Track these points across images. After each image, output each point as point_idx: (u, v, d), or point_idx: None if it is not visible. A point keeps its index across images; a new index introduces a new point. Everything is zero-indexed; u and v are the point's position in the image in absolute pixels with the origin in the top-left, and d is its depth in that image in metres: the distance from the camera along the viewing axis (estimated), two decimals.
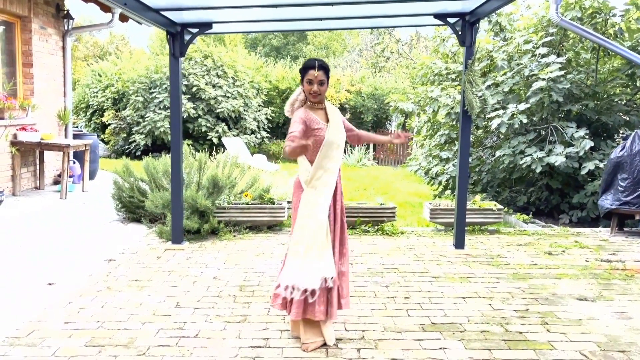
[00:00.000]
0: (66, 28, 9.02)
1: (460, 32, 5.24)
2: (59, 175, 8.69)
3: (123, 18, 8.90)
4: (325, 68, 3.18)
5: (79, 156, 8.85)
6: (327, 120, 3.26)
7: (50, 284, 4.23)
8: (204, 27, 5.29)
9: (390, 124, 18.86)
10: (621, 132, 7.99)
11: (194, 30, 5.33)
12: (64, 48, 9.04)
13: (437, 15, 5.19)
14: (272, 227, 6.31)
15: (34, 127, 8.02)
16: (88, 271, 4.59)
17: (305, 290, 3.06)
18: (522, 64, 7.58)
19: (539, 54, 7.43)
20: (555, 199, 7.76)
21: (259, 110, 16.55)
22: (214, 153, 9.96)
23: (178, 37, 5.24)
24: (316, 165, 3.16)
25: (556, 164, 6.74)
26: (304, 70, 3.19)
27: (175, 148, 5.40)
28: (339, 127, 3.27)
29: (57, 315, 3.60)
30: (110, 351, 3.08)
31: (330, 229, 3.18)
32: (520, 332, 3.41)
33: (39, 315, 3.59)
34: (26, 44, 8.13)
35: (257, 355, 3.06)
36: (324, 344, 3.19)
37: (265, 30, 6.58)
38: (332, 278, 3.10)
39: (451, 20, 5.23)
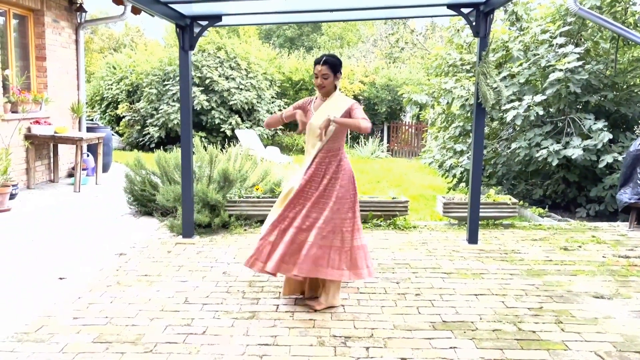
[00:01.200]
0: (79, 21, 9.05)
1: (474, 23, 5.12)
2: (73, 168, 8.74)
3: (135, 10, 8.89)
4: (330, 63, 3.53)
5: (92, 149, 8.90)
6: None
7: (61, 278, 4.25)
8: (214, 19, 5.24)
9: (404, 116, 18.71)
10: None
11: (204, 23, 5.28)
12: (77, 41, 9.07)
13: (451, 6, 5.07)
14: None
15: (48, 121, 8.07)
16: (99, 265, 4.59)
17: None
18: (538, 54, 7.41)
19: (557, 44, 7.25)
20: (572, 192, 7.61)
21: (272, 102, 16.51)
22: (226, 145, 9.96)
23: (187, 30, 5.19)
24: (305, 149, 3.80)
25: (573, 157, 6.60)
26: (313, 65, 3.61)
27: (185, 141, 5.38)
28: (322, 116, 3.49)
29: (67, 311, 3.60)
30: (117, 348, 3.07)
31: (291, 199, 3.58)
32: (534, 332, 3.33)
33: (48, 310, 3.60)
34: (39, 37, 8.16)
35: (264, 354, 3.03)
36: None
37: (276, 22, 6.52)
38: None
39: (465, 10, 5.11)
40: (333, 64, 3.53)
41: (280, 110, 16.78)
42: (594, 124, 6.80)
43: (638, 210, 6.08)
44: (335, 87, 3.61)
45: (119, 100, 16.44)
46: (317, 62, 3.56)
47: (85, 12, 9.10)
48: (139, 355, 2.98)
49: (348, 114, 3.54)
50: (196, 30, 5.27)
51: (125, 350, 3.05)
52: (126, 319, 3.48)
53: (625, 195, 6.09)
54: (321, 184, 3.55)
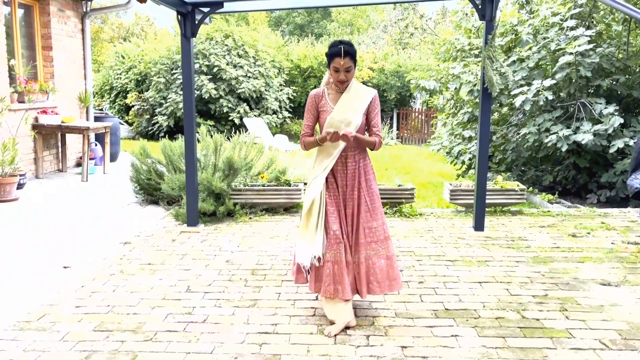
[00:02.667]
0: (85, 10, 9.03)
1: (480, 6, 5.01)
2: (81, 158, 8.78)
3: None
4: (351, 54, 3.08)
5: (100, 138, 8.92)
6: None
7: (65, 267, 4.27)
8: (215, 5, 5.18)
9: (414, 102, 18.54)
10: None
11: (205, 10, 5.23)
12: (83, 30, 9.06)
13: None
14: (289, 209, 6.25)
15: (55, 110, 8.09)
16: (103, 254, 4.61)
17: (301, 265, 3.24)
18: (548, 37, 7.25)
19: (567, 27, 7.08)
20: (582, 178, 7.49)
21: (281, 90, 16.43)
22: (234, 134, 9.94)
23: (189, 17, 5.15)
24: (319, 148, 3.24)
25: (583, 142, 6.48)
26: (330, 57, 3.11)
27: (189, 130, 5.36)
28: (343, 109, 3.15)
29: (69, 299, 3.62)
30: (117, 336, 3.08)
31: (329, 212, 3.17)
32: (537, 319, 3.28)
33: (51, 299, 3.62)
34: (45, 27, 8.16)
35: (263, 342, 3.02)
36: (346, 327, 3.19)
37: (280, 7, 6.42)
38: (316, 257, 3.15)
39: None
40: (354, 54, 3.10)
41: (289, 99, 16.72)
42: (605, 108, 6.65)
43: None
44: None
45: (128, 89, 16.47)
46: (336, 54, 3.05)
47: (91, 0, 9.07)
48: (139, 344, 2.98)
49: (368, 110, 3.20)
50: (198, 17, 5.22)
51: (125, 338, 3.05)
52: (128, 308, 3.48)
53: (636, 181, 5.94)
54: (349, 191, 3.23)
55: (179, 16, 5.12)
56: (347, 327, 3.17)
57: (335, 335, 3.08)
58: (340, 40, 3.14)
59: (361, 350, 2.92)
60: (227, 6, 5.25)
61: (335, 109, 3.15)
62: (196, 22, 5.20)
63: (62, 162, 8.55)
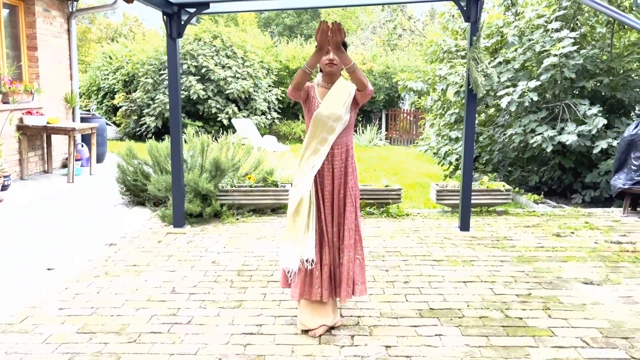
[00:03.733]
0: (70, 10, 8.96)
1: (465, 8, 5.05)
2: (67, 159, 8.71)
3: None
4: (345, 47, 2.98)
5: (86, 139, 8.86)
6: None
7: (49, 269, 4.24)
8: (201, 6, 5.17)
9: (403, 103, 18.61)
10: (637, 108, 7.73)
11: (191, 10, 5.22)
12: (69, 30, 8.99)
13: None
14: (276, 210, 6.25)
15: (40, 111, 8.02)
16: (88, 256, 4.58)
17: (286, 270, 3.15)
18: (533, 39, 7.32)
19: (552, 28, 7.16)
20: (568, 178, 7.57)
21: (269, 91, 16.41)
22: (223, 135, 9.91)
23: (175, 17, 5.13)
24: (306, 143, 3.13)
25: (568, 143, 6.54)
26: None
27: (175, 130, 5.34)
28: (331, 104, 3.05)
29: (53, 301, 3.59)
30: (101, 338, 3.06)
31: (316, 214, 3.10)
32: (520, 318, 3.31)
33: (34, 301, 3.59)
34: (30, 27, 8.09)
35: (248, 342, 3.02)
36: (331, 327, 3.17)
37: (267, 9, 6.42)
38: (309, 260, 3.06)
39: None
40: (346, 47, 3.01)
41: (278, 100, 16.70)
42: (589, 109, 6.73)
43: (632, 195, 6.04)
44: None
45: (115, 90, 16.35)
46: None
47: (77, 0, 9.01)
48: (122, 345, 2.97)
49: (355, 97, 3.11)
50: (184, 17, 5.20)
51: (109, 340, 3.04)
52: (112, 309, 3.47)
53: (619, 181, 6.05)
54: (336, 190, 3.16)
55: (165, 17, 5.10)
56: (331, 327, 3.18)
57: (320, 336, 3.09)
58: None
59: (346, 350, 2.93)
60: (213, 7, 5.24)
61: (323, 104, 3.06)
62: (182, 23, 5.18)
63: (47, 163, 8.48)
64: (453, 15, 8.70)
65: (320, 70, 3.21)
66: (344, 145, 3.15)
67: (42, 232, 5.27)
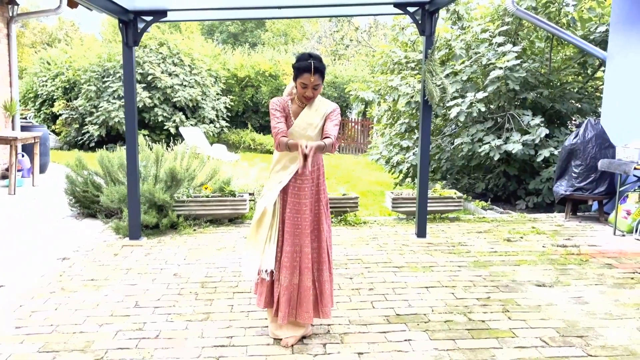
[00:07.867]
0: (11, 14, 8.57)
1: (420, 22, 5.23)
2: (7, 170, 8.30)
3: (72, 4, 8.52)
4: (321, 71, 2.94)
5: (28, 149, 8.46)
6: None
7: None
8: (158, 15, 5.09)
9: (350, 113, 18.88)
10: (573, 119, 8.22)
11: (148, 19, 5.13)
12: (9, 35, 8.60)
13: (397, 5, 5.16)
14: (234, 220, 6.20)
15: None
16: (40, 271, 4.38)
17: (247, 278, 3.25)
18: (479, 52, 7.66)
19: (496, 42, 7.52)
20: (512, 185, 7.93)
21: (218, 99, 16.25)
22: (171, 144, 9.71)
23: (131, 25, 5.03)
24: (277, 158, 3.13)
25: (513, 152, 6.88)
26: (298, 71, 2.93)
27: (131, 141, 5.21)
28: (303, 125, 3.03)
29: (7, 320, 3.42)
30: (65, 357, 2.95)
31: (288, 230, 3.07)
32: (483, 321, 3.45)
33: None
34: None
35: (220, 355, 2.99)
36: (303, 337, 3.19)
37: (221, 18, 6.41)
38: (267, 271, 3.06)
39: (411, 9, 5.21)
40: (324, 70, 2.97)
41: (226, 108, 16.53)
42: (532, 119, 7.11)
43: (573, 201, 6.41)
44: None
45: (54, 97, 15.68)
46: (306, 70, 2.89)
47: (17, 5, 8.63)
48: None
49: (325, 119, 3.07)
50: (140, 25, 5.11)
51: (74, 358, 2.93)
52: (73, 326, 3.34)
53: (561, 188, 6.41)
54: (309, 209, 3.11)
55: (121, 24, 4.99)
56: (303, 337, 3.20)
57: (292, 345, 3.10)
58: (309, 54, 2.96)
59: (319, 359, 2.96)
60: (171, 15, 5.18)
61: (296, 123, 3.03)
62: (138, 31, 5.09)
63: None
64: (402, 28, 8.95)
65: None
66: (315, 164, 3.12)
67: None
